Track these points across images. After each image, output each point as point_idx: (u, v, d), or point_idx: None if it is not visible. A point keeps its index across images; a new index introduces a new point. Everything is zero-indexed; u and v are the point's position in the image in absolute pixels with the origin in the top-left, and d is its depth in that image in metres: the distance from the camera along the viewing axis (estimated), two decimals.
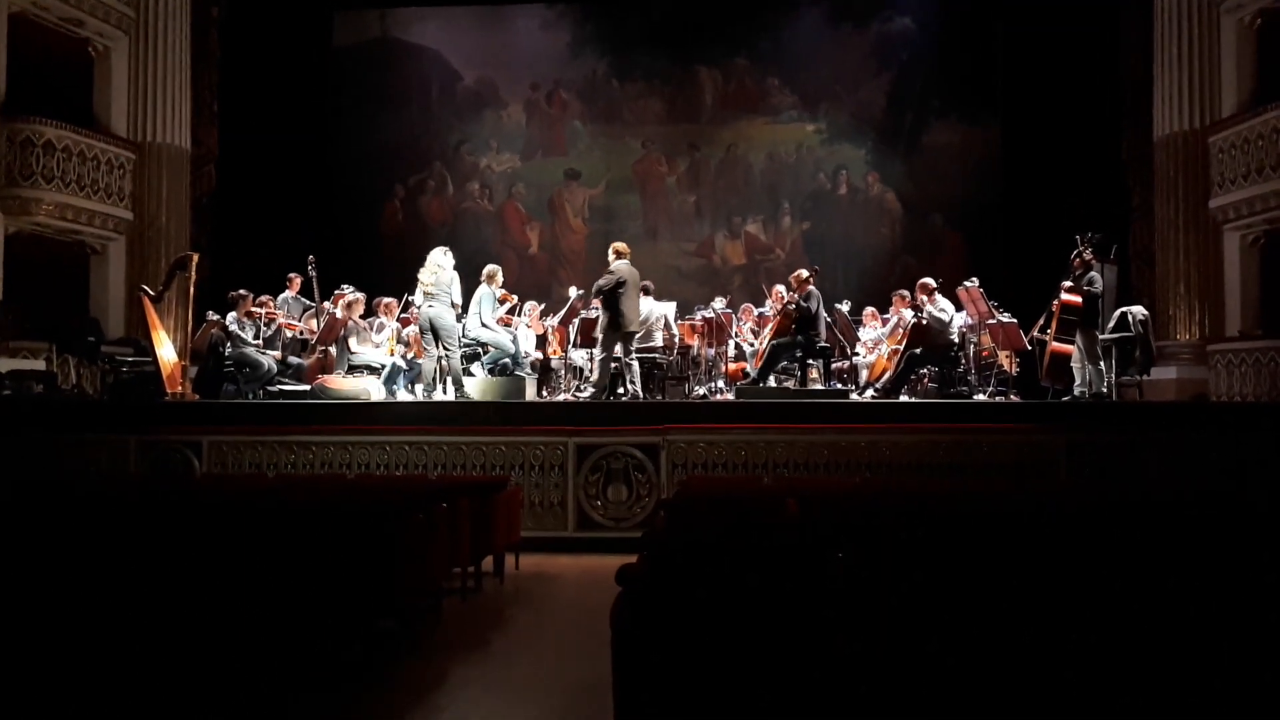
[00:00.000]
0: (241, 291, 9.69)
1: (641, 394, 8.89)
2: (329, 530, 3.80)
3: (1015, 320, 9.73)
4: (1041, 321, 9.15)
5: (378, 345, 9.66)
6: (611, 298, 8.77)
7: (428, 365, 8.94)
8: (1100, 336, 9.38)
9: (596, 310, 10.67)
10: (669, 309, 10.19)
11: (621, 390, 8.94)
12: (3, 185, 10.73)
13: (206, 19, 12.96)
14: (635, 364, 8.94)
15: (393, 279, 11.33)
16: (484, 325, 9.48)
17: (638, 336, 9.33)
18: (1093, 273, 8.89)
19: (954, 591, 2.52)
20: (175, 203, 12.33)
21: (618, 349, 8.86)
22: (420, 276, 8.88)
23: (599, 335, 9.01)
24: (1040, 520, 3.85)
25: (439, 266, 8.81)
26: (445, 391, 8.86)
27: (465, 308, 9.41)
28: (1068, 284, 8.85)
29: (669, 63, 14.77)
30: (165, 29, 12.33)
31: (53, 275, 11.73)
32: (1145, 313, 9.32)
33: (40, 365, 10.20)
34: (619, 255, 9.02)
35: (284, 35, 13.79)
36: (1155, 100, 12.05)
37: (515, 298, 10.48)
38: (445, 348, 8.71)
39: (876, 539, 3.20)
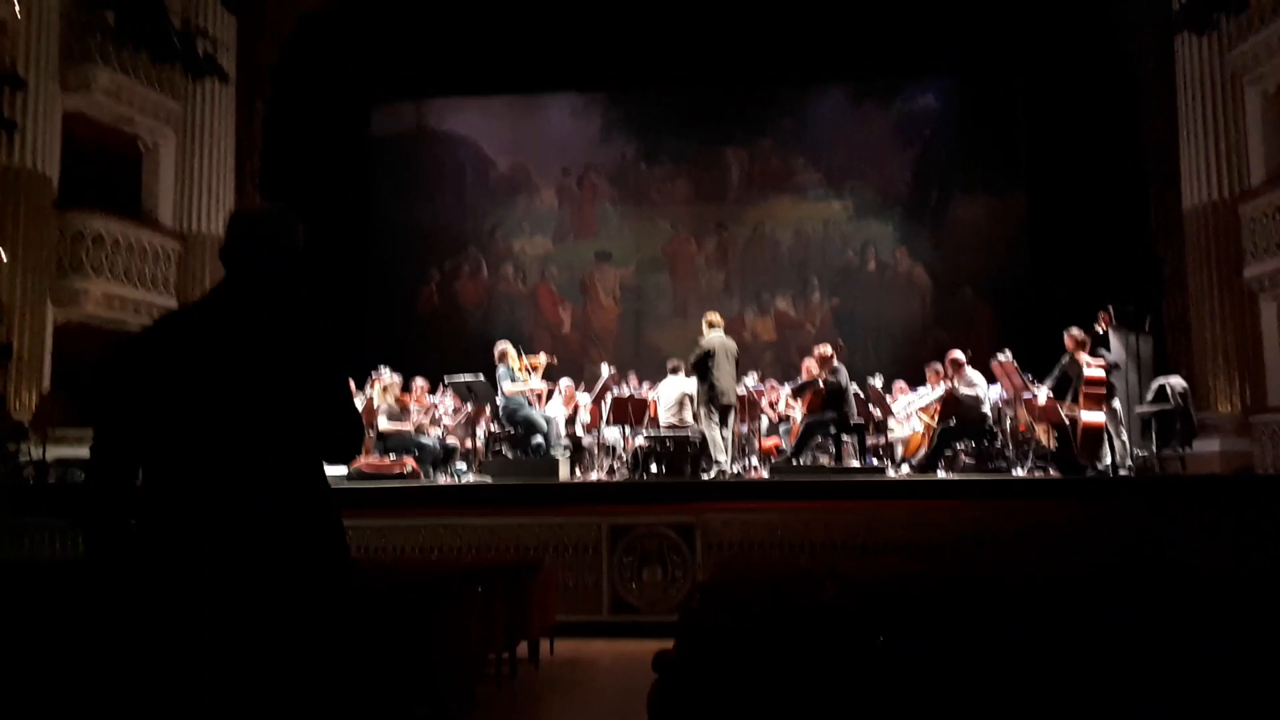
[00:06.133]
0: None
1: (728, 469, 8.86)
2: (364, 615, 3.80)
3: (1051, 393, 9.64)
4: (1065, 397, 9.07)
5: (415, 427, 9.75)
6: (703, 369, 8.83)
7: None
8: (1138, 409, 9.28)
9: (629, 390, 10.74)
10: (692, 386, 10.18)
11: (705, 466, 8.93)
12: (54, 277, 11.08)
13: (251, 112, 13.48)
14: (720, 435, 8.88)
15: (428, 360, 11.50)
16: (512, 401, 9.52)
17: (669, 413, 9.36)
18: (1100, 348, 8.88)
19: (997, 680, 2.47)
20: None
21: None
22: None
23: (700, 410, 9.05)
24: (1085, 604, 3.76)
25: None
26: None
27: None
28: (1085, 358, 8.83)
29: (696, 145, 15.10)
30: (211, 124, 12.82)
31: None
32: (1184, 384, 9.21)
33: (84, 453, 10.36)
34: (711, 326, 9.11)
35: (324, 127, 14.27)
36: (1182, 170, 12.07)
37: (541, 358, 10.36)
38: None
39: (919, 624, 3.14)
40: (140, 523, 2.10)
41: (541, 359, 10.29)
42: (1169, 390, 9.00)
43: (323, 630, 2.15)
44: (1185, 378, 9.77)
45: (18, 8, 10.55)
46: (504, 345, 9.83)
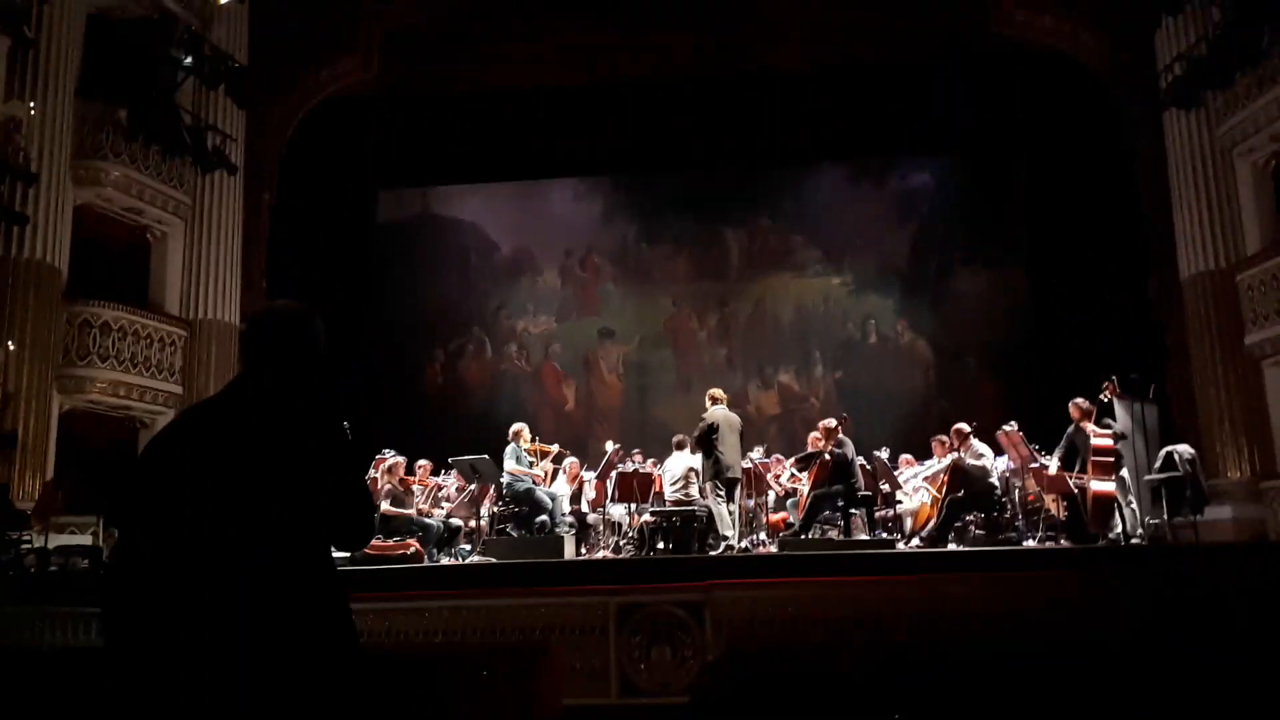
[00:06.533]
0: None
1: (736, 544, 8.81)
2: (367, 692, 3.72)
3: (1061, 463, 9.57)
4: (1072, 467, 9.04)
5: (419, 508, 9.68)
6: (707, 444, 8.88)
7: None
8: (1147, 478, 9.21)
9: (634, 464, 10.70)
10: (698, 461, 10.14)
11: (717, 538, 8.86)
12: (60, 365, 11.15)
13: (259, 202, 13.75)
14: (726, 510, 8.85)
15: (433, 441, 11.49)
16: (517, 479, 9.53)
17: (674, 489, 9.31)
18: (1106, 417, 8.89)
19: None
20: (224, 375, 12.67)
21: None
22: None
23: (706, 486, 9.03)
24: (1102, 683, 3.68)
25: None
26: None
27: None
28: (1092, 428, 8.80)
29: (695, 225, 15.38)
30: (219, 214, 13.06)
31: (103, 449, 12.00)
32: (1192, 451, 9.16)
33: (87, 540, 10.30)
34: (714, 401, 9.19)
35: (330, 214, 14.56)
36: (1178, 241, 12.20)
37: (555, 448, 10.51)
38: None
39: (933, 705, 3.08)
40: (149, 594, 2.16)
41: (554, 449, 10.42)
42: (1177, 458, 8.95)
43: (322, 702, 2.18)
44: (1193, 445, 9.72)
45: (32, 106, 10.85)
46: (520, 426, 9.96)
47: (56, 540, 9.97)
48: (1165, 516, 8.84)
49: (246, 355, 2.43)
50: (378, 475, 9.84)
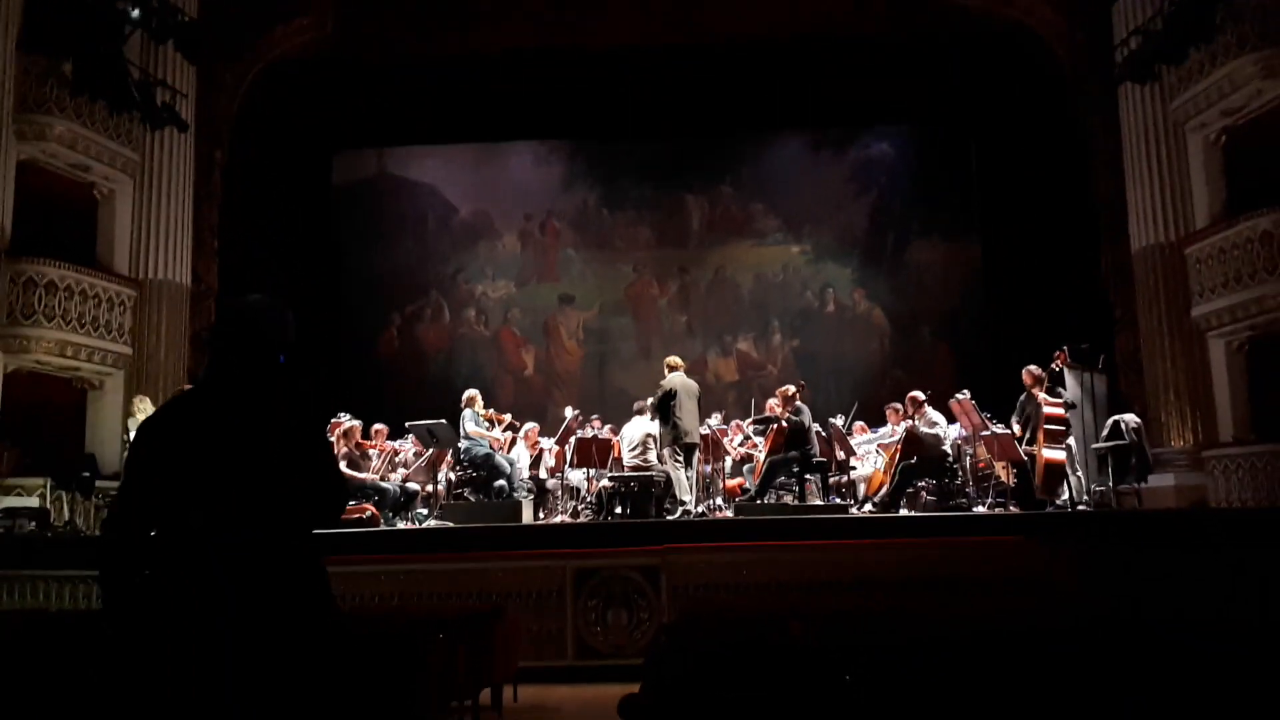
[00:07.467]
0: None
1: (693, 509, 8.90)
2: (345, 658, 3.72)
3: (1009, 431, 9.77)
4: (1025, 434, 9.24)
5: (375, 473, 9.63)
6: (665, 410, 8.92)
7: None
8: (1094, 445, 9.43)
9: (593, 430, 10.73)
10: (656, 426, 10.20)
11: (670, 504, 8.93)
12: (4, 324, 10.87)
13: (210, 162, 13.41)
14: (684, 475, 8.93)
15: (389, 405, 11.40)
16: (475, 444, 9.52)
17: (633, 454, 9.36)
18: (1057, 386, 9.11)
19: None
20: (174, 337, 12.46)
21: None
22: None
23: (665, 451, 9.10)
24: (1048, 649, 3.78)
25: None
26: None
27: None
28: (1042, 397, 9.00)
29: (656, 192, 15.32)
30: (169, 172, 12.71)
31: (50, 411, 11.75)
32: (1138, 420, 9.39)
33: (34, 502, 10.12)
34: (671, 369, 9.26)
35: (284, 175, 14.25)
36: (1129, 215, 12.40)
37: (508, 417, 10.50)
38: None
39: (884, 667, 3.14)
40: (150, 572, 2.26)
41: (508, 418, 10.40)
42: (1124, 427, 9.16)
43: (301, 669, 2.27)
44: (1139, 414, 9.96)
45: None
46: (473, 392, 9.92)
47: (2, 502, 9.78)
48: (1110, 483, 9.06)
49: (221, 347, 2.47)
50: (333, 439, 9.76)
